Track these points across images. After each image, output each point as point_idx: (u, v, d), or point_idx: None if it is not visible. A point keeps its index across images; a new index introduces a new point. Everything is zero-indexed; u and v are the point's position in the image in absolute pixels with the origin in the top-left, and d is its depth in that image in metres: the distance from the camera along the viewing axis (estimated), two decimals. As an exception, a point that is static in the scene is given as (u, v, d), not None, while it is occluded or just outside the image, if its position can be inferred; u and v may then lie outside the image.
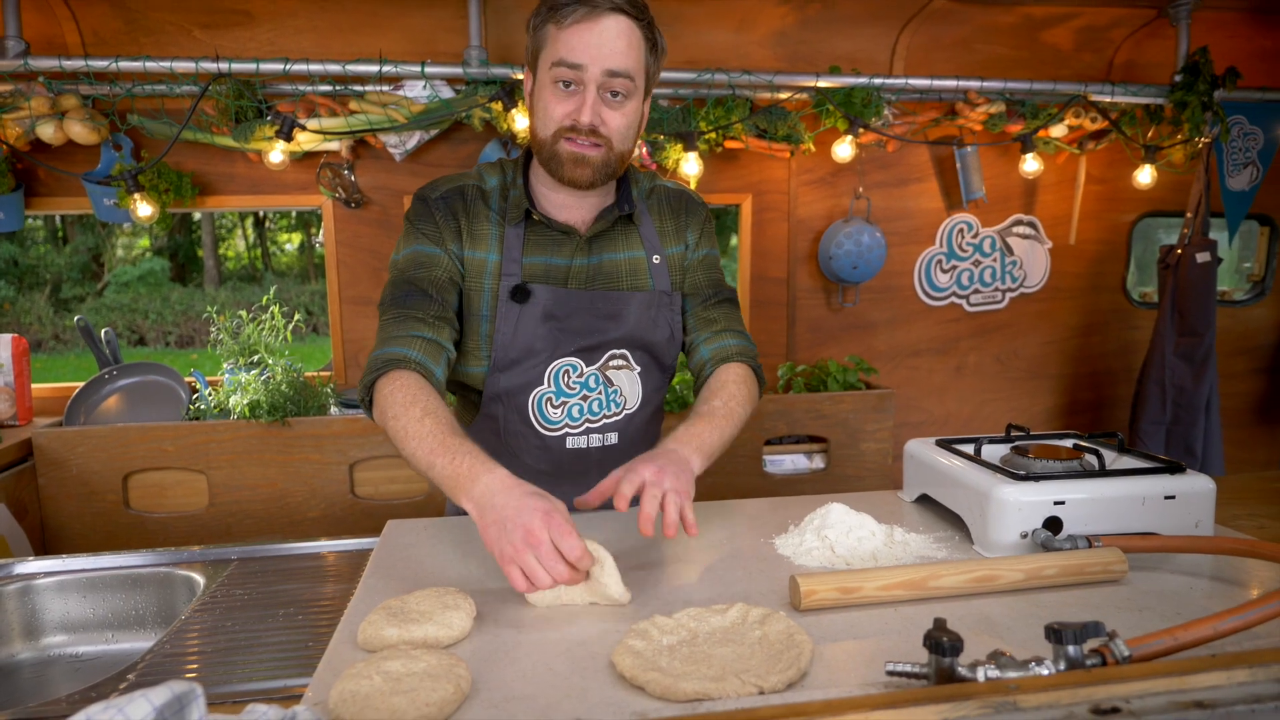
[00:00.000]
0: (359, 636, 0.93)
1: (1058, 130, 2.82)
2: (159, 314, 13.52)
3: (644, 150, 2.59)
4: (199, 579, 1.27)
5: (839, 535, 1.19)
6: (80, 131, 2.30)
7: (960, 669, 0.74)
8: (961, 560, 1.07)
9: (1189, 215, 2.86)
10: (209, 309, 2.66)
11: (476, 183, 1.34)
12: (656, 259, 1.38)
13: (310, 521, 2.44)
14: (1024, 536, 1.15)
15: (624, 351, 1.35)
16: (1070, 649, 0.75)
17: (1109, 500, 1.16)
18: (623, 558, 1.20)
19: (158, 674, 0.97)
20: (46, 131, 2.30)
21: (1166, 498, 1.17)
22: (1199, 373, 2.87)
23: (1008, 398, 3.25)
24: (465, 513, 1.47)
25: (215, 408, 2.45)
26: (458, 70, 2.37)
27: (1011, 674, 0.73)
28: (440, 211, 1.30)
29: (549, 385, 1.32)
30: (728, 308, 1.44)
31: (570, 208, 1.32)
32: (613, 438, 1.37)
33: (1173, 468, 1.21)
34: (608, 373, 1.34)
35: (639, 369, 1.37)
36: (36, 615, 1.27)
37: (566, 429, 1.34)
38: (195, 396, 2.51)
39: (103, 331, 2.65)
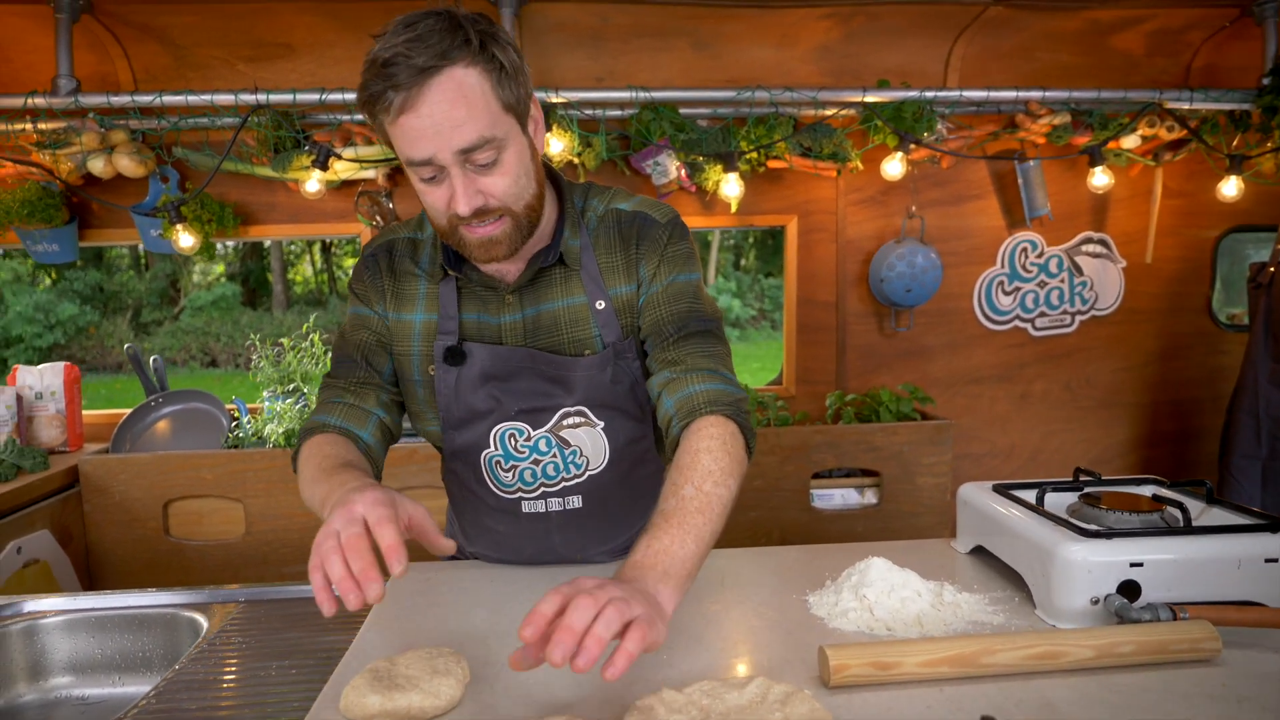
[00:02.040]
0: (341, 703, 0.86)
1: (1130, 141, 2.63)
2: (230, 337, 14.06)
3: (683, 172, 2.50)
4: (203, 622, 1.22)
5: (879, 595, 1.06)
6: (128, 165, 2.34)
7: (1012, 782, 0.62)
8: (1020, 633, 0.94)
9: (1281, 230, 2.63)
10: (252, 337, 2.68)
11: (411, 233, 1.22)
12: (600, 304, 1.18)
13: (345, 552, 2.41)
14: (1095, 603, 1.01)
15: (581, 408, 1.19)
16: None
17: (1197, 562, 1.01)
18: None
19: (138, 734, 0.92)
20: (97, 166, 2.35)
21: (1267, 560, 1.01)
22: (1297, 402, 2.62)
23: (1078, 428, 3.03)
24: (462, 555, 1.40)
25: (253, 436, 2.45)
26: (493, 95, 2.34)
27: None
28: (369, 270, 1.22)
29: (496, 448, 1.20)
30: (697, 342, 1.14)
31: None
32: (575, 500, 1.23)
33: (1275, 525, 1.05)
34: (561, 433, 1.19)
35: (602, 424, 1.19)
36: (43, 655, 1.23)
37: (520, 493, 1.22)
38: (234, 425, 2.52)
39: (151, 359, 2.69)
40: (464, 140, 0.97)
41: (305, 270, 17.06)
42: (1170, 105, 2.53)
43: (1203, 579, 1.01)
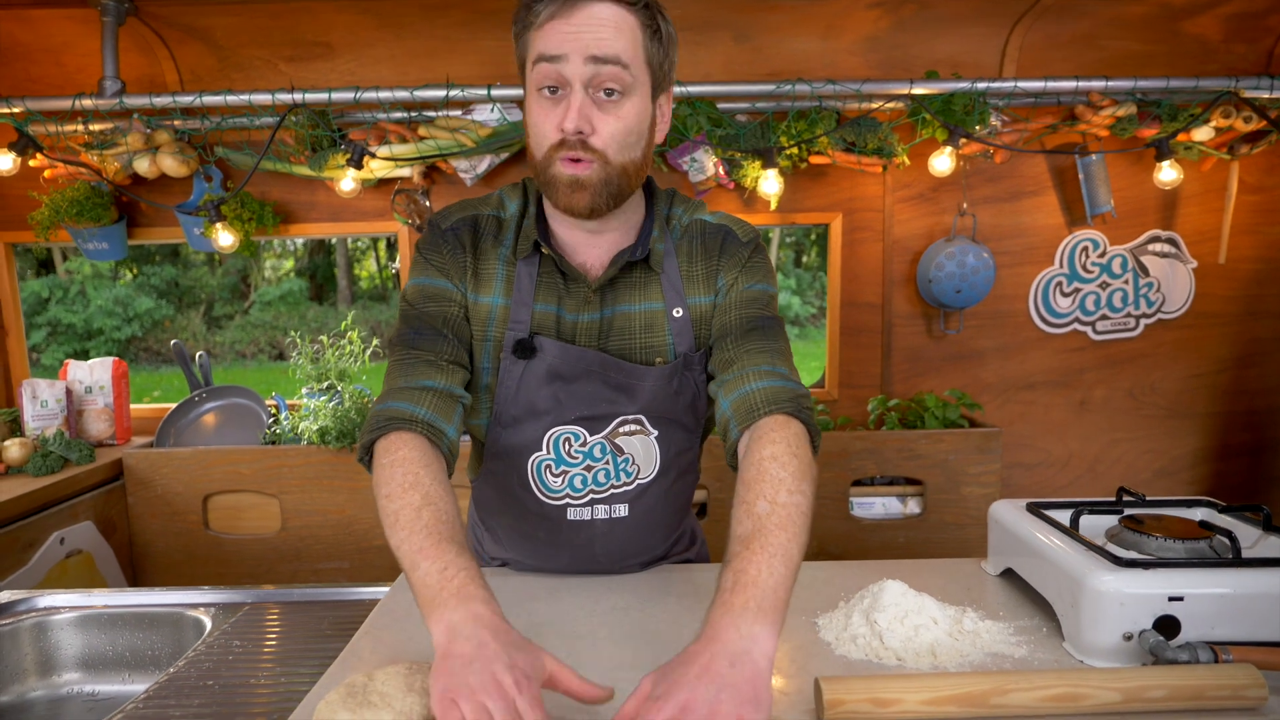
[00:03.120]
0: (313, 717, 0.84)
1: (1202, 133, 2.45)
2: (297, 331, 14.55)
3: (721, 170, 2.44)
4: (206, 623, 1.22)
5: (891, 621, 0.99)
6: (172, 165, 2.40)
7: None
8: (1037, 671, 0.86)
9: (1373, 228, 2.42)
10: (292, 333, 2.72)
11: (494, 211, 1.16)
12: (678, 312, 1.15)
13: (376, 550, 2.43)
14: (1128, 639, 0.92)
15: (638, 417, 1.16)
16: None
17: (1244, 598, 0.91)
18: (627, 626, 1.05)
19: (120, 738, 0.91)
20: (142, 166, 2.41)
21: (1328, 598, 0.91)
22: (1387, 415, 2.41)
23: (1143, 438, 2.85)
24: (484, 561, 1.38)
25: (290, 432, 2.49)
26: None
27: None
28: (449, 244, 1.14)
29: (548, 451, 1.15)
30: (755, 338, 1.10)
31: (583, 246, 1.14)
32: (621, 509, 1.18)
33: (1337, 558, 0.94)
34: (617, 440, 1.15)
35: (656, 433, 1.17)
36: (54, 651, 1.26)
37: (568, 499, 1.17)
38: (272, 421, 2.56)
39: (197, 355, 2.76)
40: (601, 49, 0.98)
41: (370, 266, 17.52)
42: (1248, 94, 2.34)
43: (1251, 617, 0.90)
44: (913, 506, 2.48)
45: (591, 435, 1.15)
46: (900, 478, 2.48)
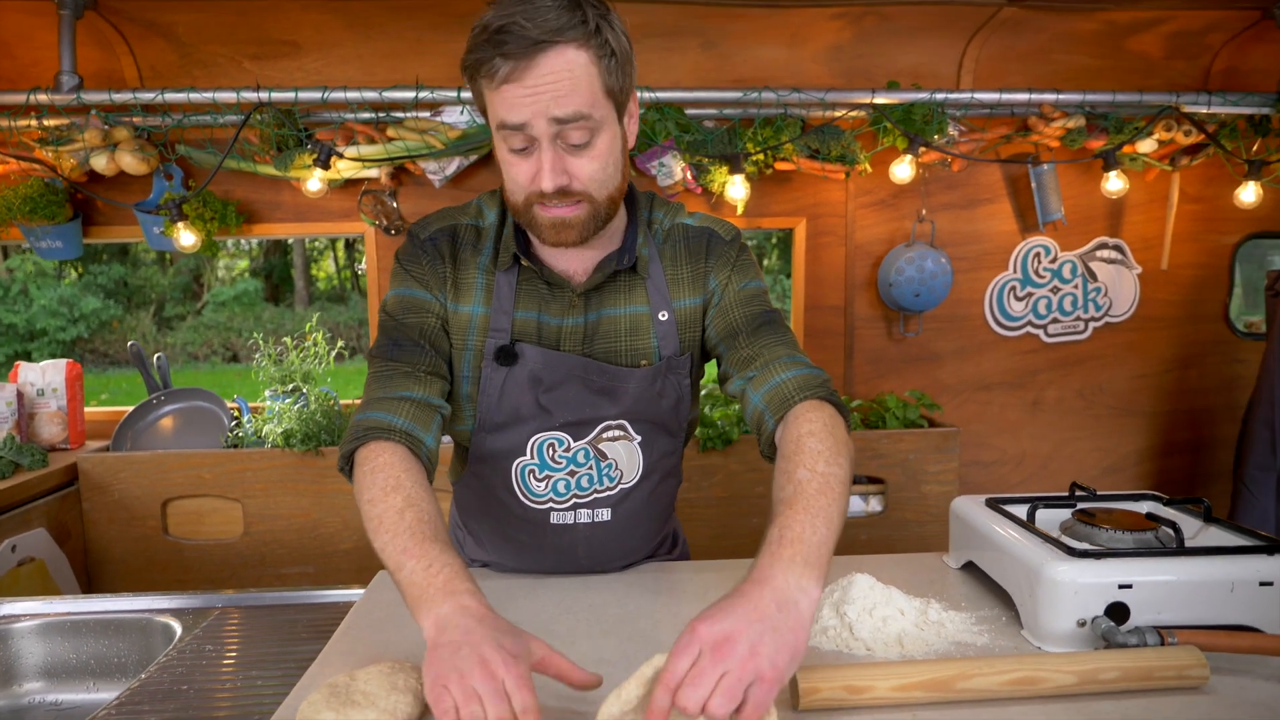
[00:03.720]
0: (296, 718, 0.84)
1: (1146, 145, 2.57)
2: (252, 333, 14.22)
3: (688, 174, 2.47)
4: (176, 628, 1.21)
5: (860, 613, 1.03)
6: (131, 162, 2.35)
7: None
8: (998, 657, 0.90)
9: (1303, 237, 2.55)
10: (254, 335, 2.68)
11: (472, 220, 1.18)
12: (663, 315, 1.17)
13: (342, 554, 2.40)
14: (1082, 625, 0.97)
15: (622, 423, 1.17)
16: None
17: (1188, 585, 0.97)
18: (605, 621, 1.08)
19: (95, 743, 0.91)
20: (99, 163, 2.36)
21: (1262, 584, 0.97)
22: (1316, 414, 2.54)
23: (1092, 437, 2.96)
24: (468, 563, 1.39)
25: (253, 435, 2.45)
26: (494, 95, 2.32)
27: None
28: (428, 254, 1.15)
29: (532, 456, 1.17)
30: (769, 332, 1.13)
31: (566, 255, 1.14)
32: (604, 514, 1.20)
33: (1272, 547, 1.00)
34: (600, 445, 1.17)
35: (639, 439, 1.19)
36: (15, 660, 1.23)
37: (551, 504, 1.19)
38: (234, 424, 2.52)
39: (155, 357, 2.70)
40: (562, 110, 0.96)
41: (328, 267, 17.21)
42: (1188, 109, 2.46)
43: (1194, 602, 0.96)
44: (874, 504, 2.55)
45: (575, 441, 1.16)
46: (863, 476, 2.54)
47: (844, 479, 0.92)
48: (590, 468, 1.18)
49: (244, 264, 16.10)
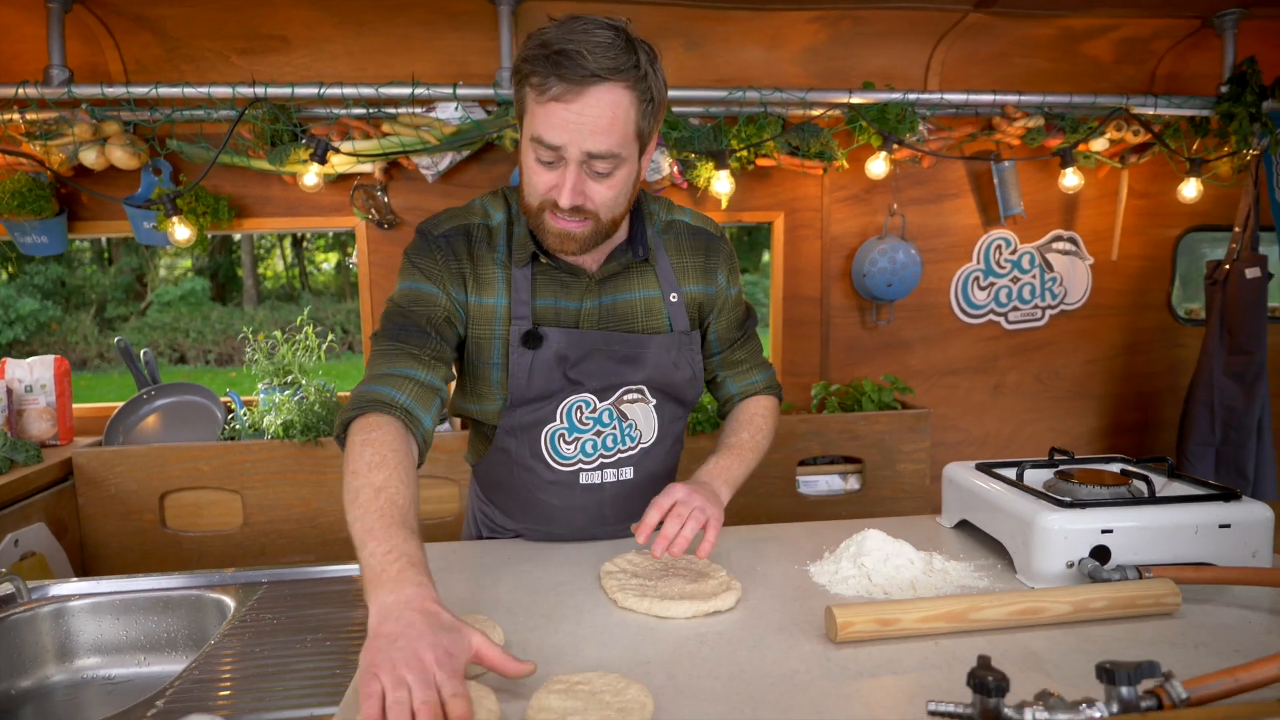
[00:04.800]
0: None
1: (1098, 144, 2.76)
2: (199, 333, 13.86)
3: (675, 169, 2.58)
4: (229, 602, 1.27)
5: (876, 563, 1.15)
6: (121, 157, 2.35)
7: (1007, 710, 0.71)
8: (1005, 591, 1.03)
9: (1237, 230, 2.77)
10: (245, 329, 2.70)
11: (482, 220, 1.25)
12: (674, 297, 1.30)
13: (342, 542, 2.45)
14: (1070, 566, 1.10)
15: (640, 386, 1.30)
16: (1124, 690, 0.71)
17: (1160, 529, 1.11)
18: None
19: (186, 700, 0.97)
20: (89, 157, 2.36)
21: (1221, 526, 1.12)
22: (1250, 393, 2.77)
23: (1049, 418, 3.16)
24: (484, 535, 1.48)
25: (250, 428, 2.48)
26: (489, 91, 2.39)
27: (1061, 717, 0.69)
28: (442, 251, 1.22)
29: (561, 421, 1.28)
30: (752, 344, 1.48)
31: None
32: (628, 472, 1.33)
33: (1227, 495, 1.15)
34: (621, 407, 1.29)
35: (654, 402, 1.32)
36: (70, 637, 1.27)
37: (580, 464, 1.30)
38: (230, 417, 2.54)
39: (142, 352, 2.70)
40: (597, 146, 1.06)
41: (276, 265, 16.84)
42: (1136, 110, 2.65)
43: (1165, 543, 1.11)
44: (853, 483, 2.69)
45: (600, 402, 1.28)
46: (841, 457, 2.68)
47: (766, 448, 1.39)
48: (614, 428, 1.30)
49: (187, 263, 15.66)
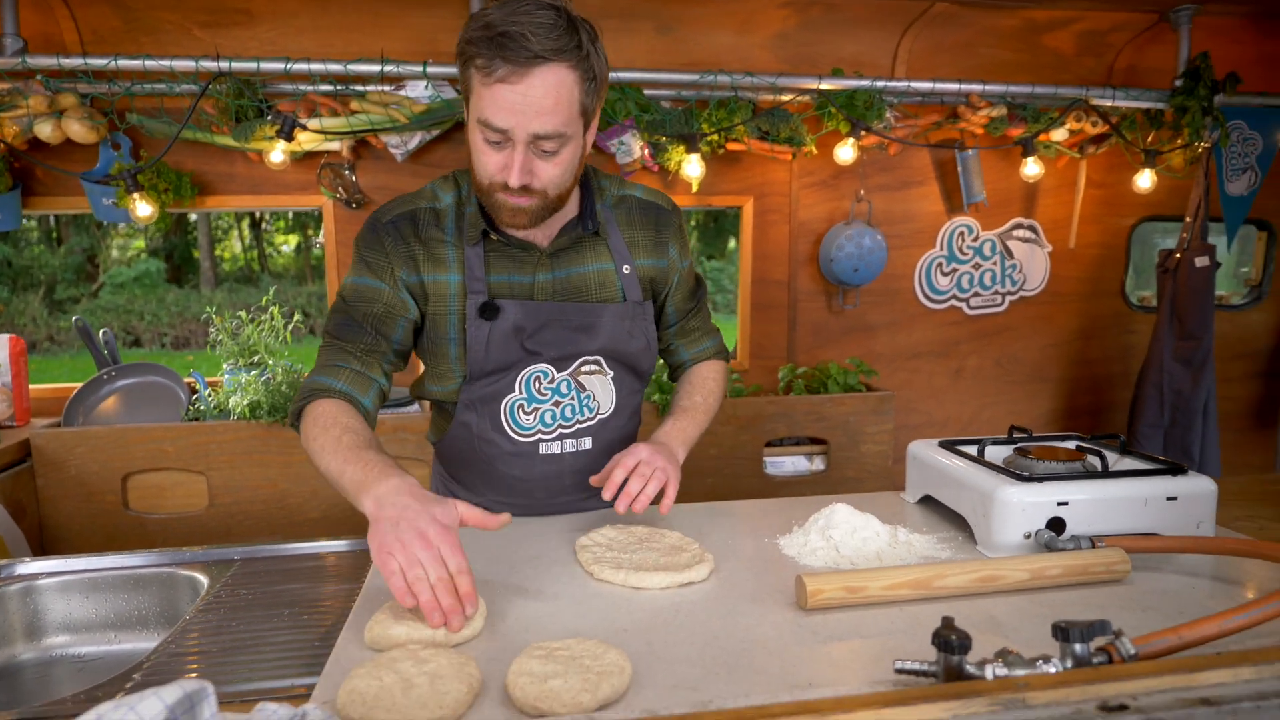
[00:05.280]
0: (366, 635, 0.93)
1: (1059, 134, 2.83)
2: (154, 315, 13.51)
3: (646, 152, 2.59)
4: (202, 579, 1.27)
5: (843, 536, 1.19)
6: (78, 130, 2.29)
7: (969, 667, 0.75)
8: (966, 560, 1.07)
9: (1188, 220, 2.87)
10: (208, 309, 2.66)
11: (429, 204, 1.29)
12: (626, 269, 1.34)
13: (311, 523, 2.44)
14: (1027, 537, 1.15)
15: (597, 358, 1.33)
16: (1077, 647, 0.75)
17: (1112, 501, 1.16)
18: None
19: (163, 673, 0.97)
20: (44, 130, 2.29)
21: (1168, 499, 1.18)
22: (1197, 377, 2.88)
23: (1007, 401, 3.26)
24: None
25: (215, 409, 2.45)
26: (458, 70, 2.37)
27: (1020, 672, 0.73)
28: (390, 237, 1.26)
29: (520, 392, 1.31)
30: (703, 313, 1.53)
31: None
32: (586, 443, 1.36)
33: (1174, 469, 1.21)
34: (579, 378, 1.33)
35: (612, 374, 1.36)
36: (39, 616, 1.26)
37: (540, 435, 1.33)
38: (195, 397, 2.51)
39: (101, 332, 2.64)
40: (544, 127, 1.09)
41: (234, 247, 16.45)
42: (1095, 102, 2.73)
43: (1117, 515, 1.16)
44: (818, 463, 2.75)
45: (558, 373, 1.31)
46: (807, 438, 2.74)
47: (715, 408, 1.46)
48: (572, 398, 1.33)
49: (140, 244, 15.22)
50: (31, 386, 2.60)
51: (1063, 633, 0.75)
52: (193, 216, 14.19)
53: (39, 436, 2.28)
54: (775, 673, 0.84)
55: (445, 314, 1.28)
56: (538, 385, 1.31)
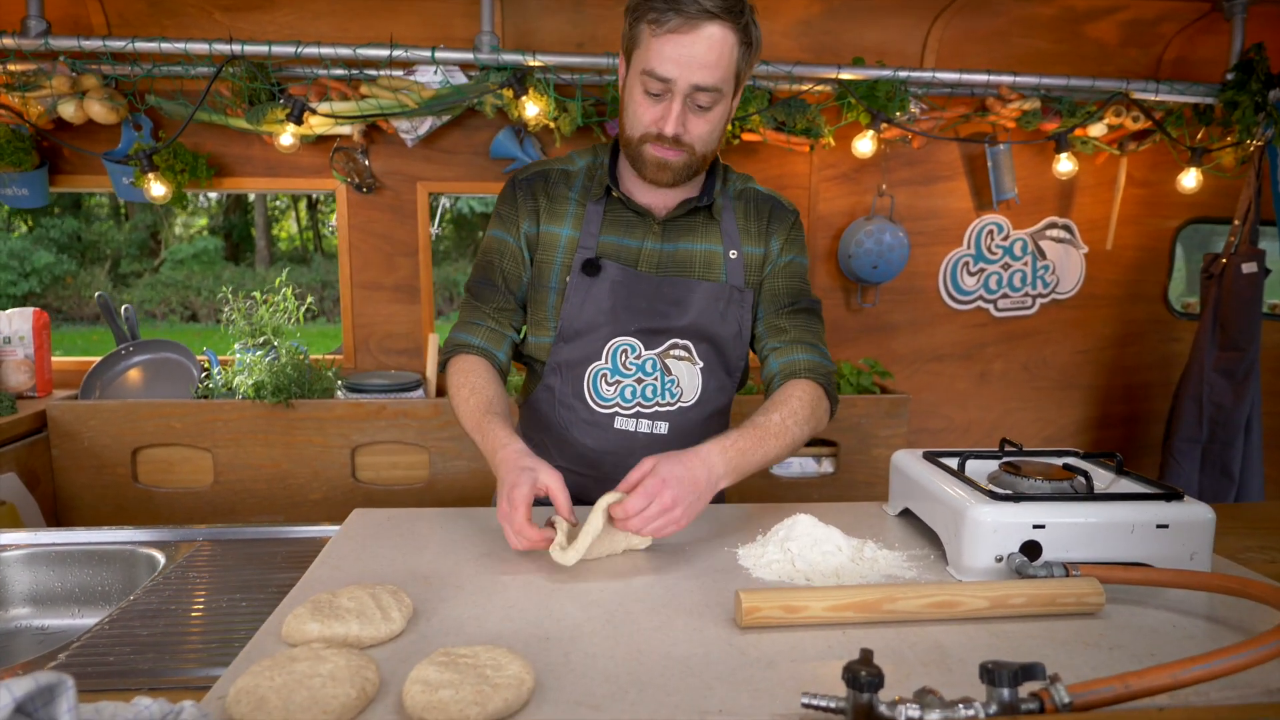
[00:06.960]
0: (282, 630, 0.91)
1: (1096, 129, 2.68)
2: (211, 291, 13.92)
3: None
4: (159, 558, 1.27)
5: (803, 548, 1.13)
6: (100, 111, 2.33)
7: (881, 706, 0.69)
8: (922, 584, 1.01)
9: (1236, 223, 2.70)
10: (223, 289, 2.70)
11: (563, 165, 1.40)
12: (734, 254, 1.38)
13: (312, 504, 2.46)
14: (999, 560, 1.08)
15: (687, 343, 1.35)
16: (1004, 692, 0.69)
17: (1094, 526, 1.08)
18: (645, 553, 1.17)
19: (90, 654, 0.97)
20: (67, 110, 2.34)
21: (1159, 526, 1.09)
22: (1240, 390, 2.72)
23: (1034, 407, 3.12)
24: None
25: (223, 387, 2.48)
26: (469, 56, 2.35)
27: (935, 715, 0.67)
28: (522, 192, 1.37)
29: (606, 361, 1.34)
30: (804, 318, 1.40)
31: (652, 192, 1.35)
32: (662, 426, 1.36)
33: (1169, 495, 1.12)
34: (667, 360, 1.35)
35: (701, 363, 1.36)
36: (4, 587, 1.28)
37: (617, 408, 1.35)
38: (205, 375, 2.55)
39: (123, 308, 2.70)
40: (704, 80, 1.17)
41: (290, 227, 16.85)
42: (1137, 95, 2.58)
43: (1100, 541, 1.08)
44: (827, 466, 2.67)
45: (646, 349, 1.34)
46: (816, 439, 2.66)
47: (798, 438, 1.27)
48: (655, 379, 1.35)
49: (203, 221, 15.70)
50: (56, 359, 2.68)
51: (989, 674, 0.69)
52: (250, 197, 14.57)
53: (55, 408, 2.35)
54: (687, 695, 0.80)
55: (550, 263, 1.35)
56: (624, 359, 1.34)
